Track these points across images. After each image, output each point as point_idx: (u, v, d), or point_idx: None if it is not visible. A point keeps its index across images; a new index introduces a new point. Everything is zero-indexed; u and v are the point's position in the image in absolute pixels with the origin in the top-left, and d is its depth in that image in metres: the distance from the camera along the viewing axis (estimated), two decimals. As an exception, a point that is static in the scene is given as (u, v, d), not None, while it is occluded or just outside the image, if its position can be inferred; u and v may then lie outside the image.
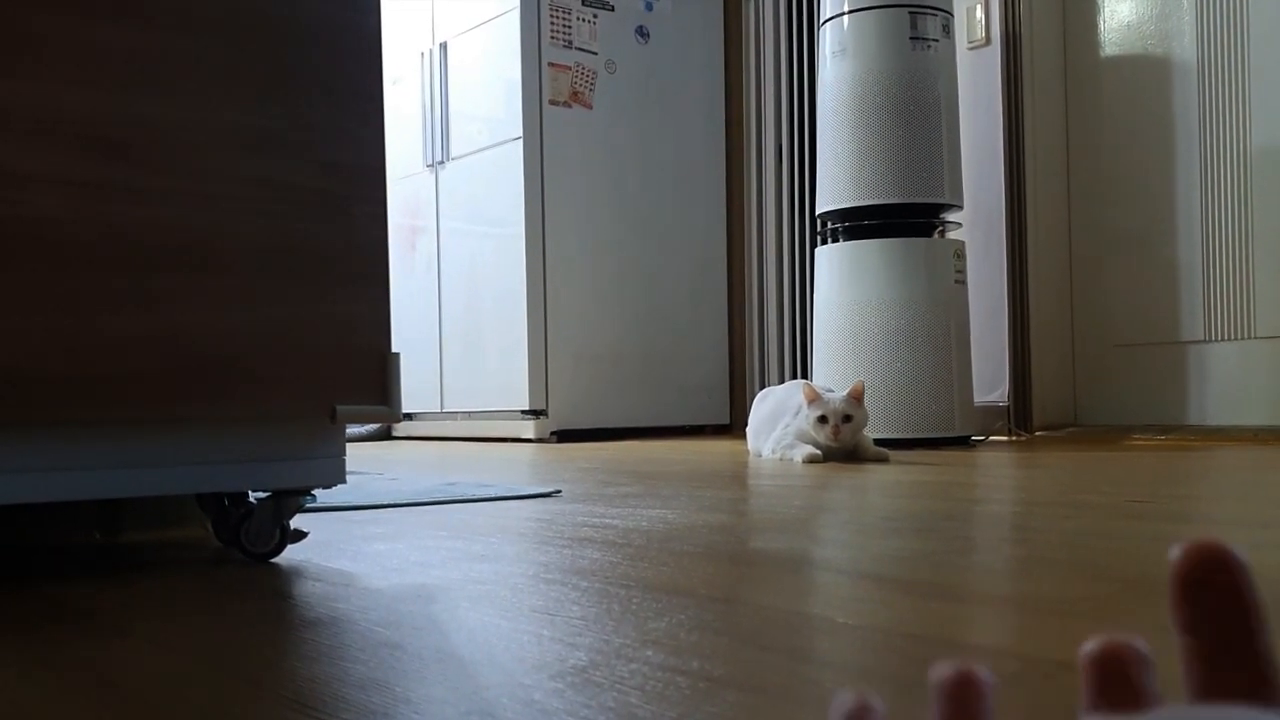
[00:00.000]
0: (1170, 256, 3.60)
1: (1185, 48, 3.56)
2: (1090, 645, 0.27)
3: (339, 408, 1.19)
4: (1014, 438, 3.67)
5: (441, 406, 4.69)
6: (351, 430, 4.87)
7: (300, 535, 1.26)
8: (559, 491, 1.96)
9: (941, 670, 0.27)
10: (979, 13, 3.87)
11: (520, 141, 4.27)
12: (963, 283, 3.34)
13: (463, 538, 1.37)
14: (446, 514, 1.66)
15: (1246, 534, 1.26)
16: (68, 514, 1.45)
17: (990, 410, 3.74)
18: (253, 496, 1.26)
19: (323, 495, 1.84)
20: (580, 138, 4.40)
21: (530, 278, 4.27)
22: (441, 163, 4.67)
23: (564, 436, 4.33)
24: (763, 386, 4.57)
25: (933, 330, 3.23)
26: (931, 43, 3.29)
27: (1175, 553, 0.25)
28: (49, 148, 1.04)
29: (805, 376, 4.36)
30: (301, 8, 1.18)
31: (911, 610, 0.87)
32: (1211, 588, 0.25)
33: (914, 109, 3.25)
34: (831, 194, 3.37)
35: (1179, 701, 0.25)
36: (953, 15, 3.39)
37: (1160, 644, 0.73)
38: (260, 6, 1.16)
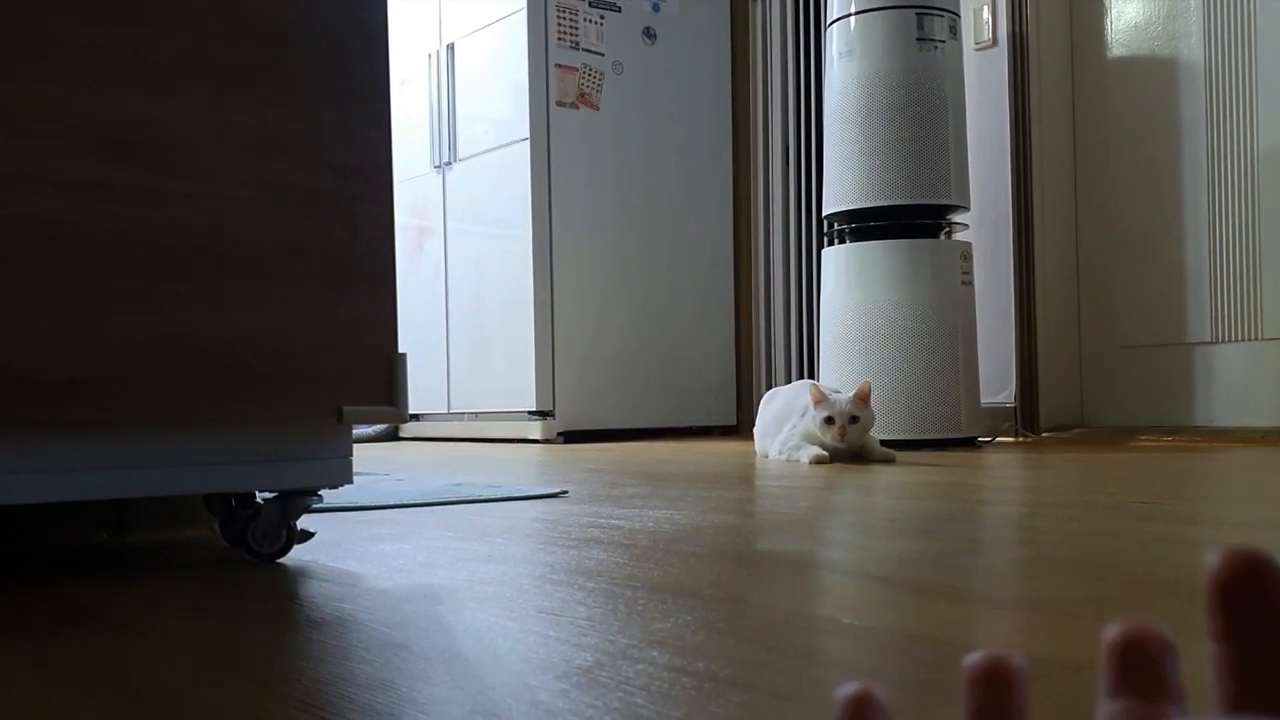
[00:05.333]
0: (1177, 258, 3.60)
1: (1192, 49, 3.55)
2: (1114, 630, 0.26)
3: (345, 408, 1.19)
4: (1021, 439, 3.67)
5: (448, 407, 4.70)
6: (359, 431, 4.87)
7: (307, 536, 1.27)
8: (566, 492, 1.96)
9: (974, 661, 0.27)
10: (986, 14, 3.87)
11: (527, 143, 4.27)
12: (969, 284, 3.33)
13: (469, 538, 1.37)
14: (453, 515, 1.66)
15: (1255, 536, 1.26)
16: (75, 514, 1.45)
17: (997, 411, 3.74)
18: (260, 497, 1.27)
19: (330, 496, 1.84)
20: (587, 139, 4.40)
21: (537, 279, 4.27)
22: (448, 164, 4.67)
23: (571, 437, 4.33)
24: (769, 387, 4.56)
25: (939, 331, 3.22)
26: (938, 44, 3.29)
27: (1213, 559, 0.25)
28: (59, 149, 1.05)
29: (812, 377, 4.35)
30: (309, 9, 1.19)
31: (918, 611, 0.87)
32: (1250, 596, 0.24)
33: (921, 110, 3.25)
34: (838, 195, 3.37)
35: (1204, 704, 0.24)
36: (959, 16, 3.39)
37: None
38: (268, 8, 1.16)
